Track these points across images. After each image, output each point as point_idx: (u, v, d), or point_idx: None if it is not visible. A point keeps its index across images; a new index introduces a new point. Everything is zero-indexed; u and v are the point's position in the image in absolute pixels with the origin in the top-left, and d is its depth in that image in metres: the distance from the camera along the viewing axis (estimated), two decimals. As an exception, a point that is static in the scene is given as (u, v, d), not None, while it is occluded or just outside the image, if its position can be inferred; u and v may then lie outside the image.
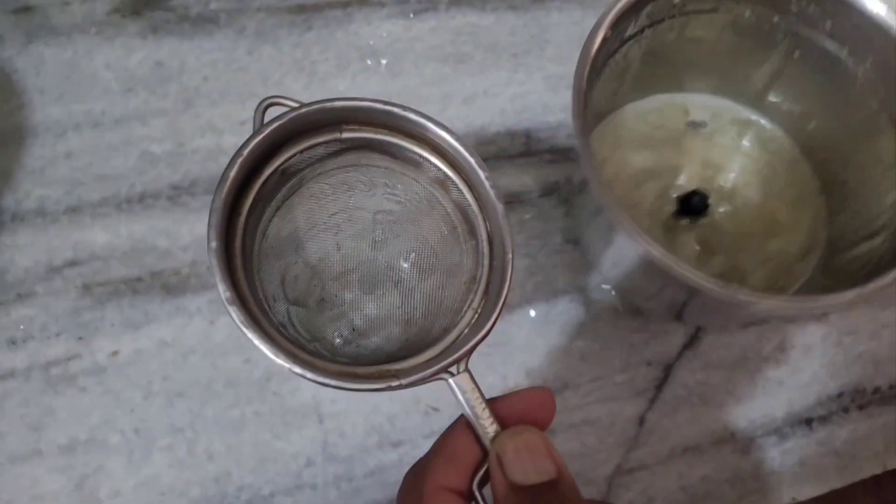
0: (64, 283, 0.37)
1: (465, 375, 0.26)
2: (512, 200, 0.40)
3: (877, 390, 0.41)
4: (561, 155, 0.42)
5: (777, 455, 0.39)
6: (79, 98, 0.39)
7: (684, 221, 0.40)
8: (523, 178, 0.41)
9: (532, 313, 0.39)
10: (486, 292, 0.29)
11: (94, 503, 0.34)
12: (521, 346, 0.39)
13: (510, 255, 0.28)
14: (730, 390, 0.40)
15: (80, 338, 0.36)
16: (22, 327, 0.36)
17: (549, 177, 0.41)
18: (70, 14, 0.40)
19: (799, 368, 0.40)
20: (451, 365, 0.26)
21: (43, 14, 0.40)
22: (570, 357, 0.39)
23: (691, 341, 0.40)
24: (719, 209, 0.41)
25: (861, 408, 0.40)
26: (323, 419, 0.37)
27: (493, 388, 0.38)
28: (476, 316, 0.29)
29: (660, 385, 0.39)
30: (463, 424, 0.26)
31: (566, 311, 0.40)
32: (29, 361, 0.36)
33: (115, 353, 0.36)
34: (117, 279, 0.37)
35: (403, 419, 0.37)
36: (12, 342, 0.36)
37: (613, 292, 0.40)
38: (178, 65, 0.40)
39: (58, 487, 0.34)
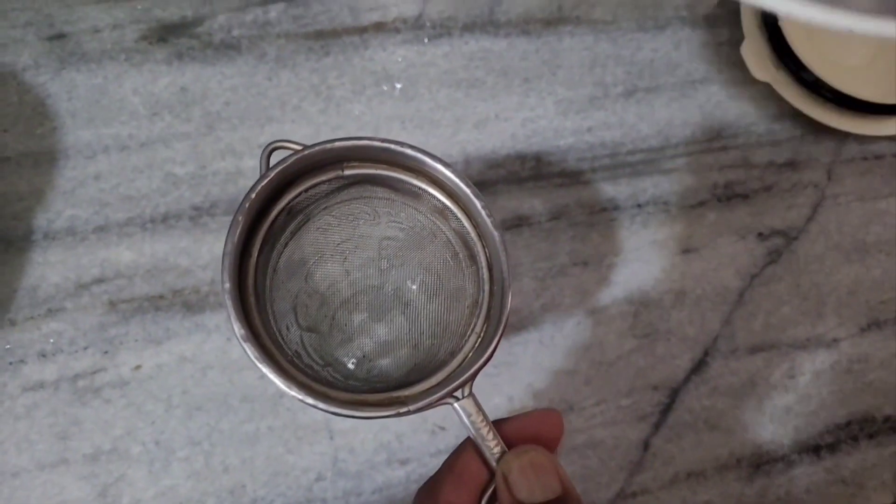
0: (91, 299, 0.39)
1: (470, 399, 0.27)
2: (521, 223, 0.41)
3: (887, 419, 0.40)
4: (570, 178, 0.42)
5: (784, 482, 0.39)
6: (108, 122, 0.41)
7: None
8: (532, 202, 0.42)
9: (538, 335, 0.40)
10: (487, 317, 0.30)
11: (116, 510, 0.36)
12: (527, 367, 0.40)
13: (509, 282, 0.29)
14: (737, 416, 0.40)
15: (106, 352, 0.38)
16: (52, 341, 0.38)
17: (558, 200, 0.42)
18: (101, 41, 0.42)
19: (807, 395, 0.40)
20: (455, 390, 0.27)
21: (76, 41, 0.42)
22: (576, 379, 0.40)
23: (698, 366, 0.40)
24: None
25: (870, 436, 0.40)
26: (333, 435, 0.38)
27: (499, 409, 0.39)
28: (479, 340, 0.30)
29: (665, 410, 0.40)
30: (470, 445, 0.27)
31: (573, 333, 0.40)
32: (58, 374, 0.38)
33: (137, 367, 0.38)
34: (141, 296, 0.39)
35: (411, 437, 0.38)
36: (42, 355, 0.38)
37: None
38: (202, 90, 0.42)
39: (82, 495, 0.36)
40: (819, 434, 0.40)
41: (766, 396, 0.40)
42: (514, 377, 0.40)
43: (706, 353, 0.40)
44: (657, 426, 0.39)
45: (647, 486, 0.38)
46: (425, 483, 0.27)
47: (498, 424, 0.27)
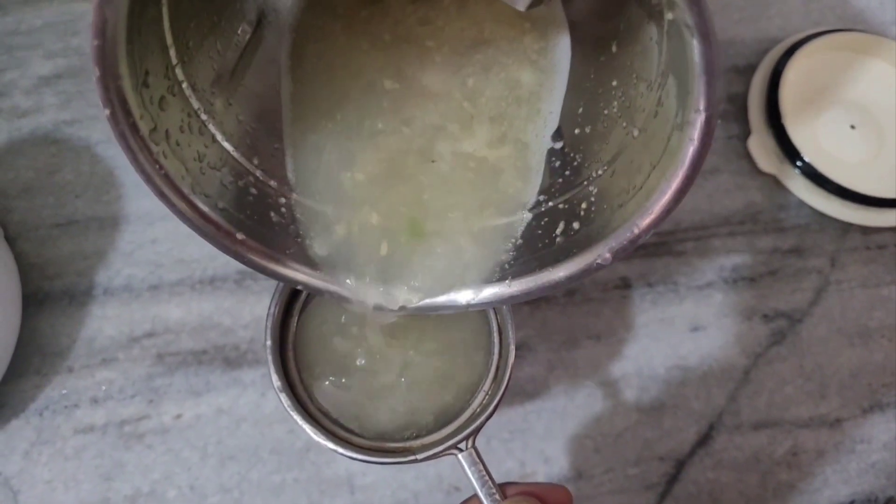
0: (141, 351, 0.42)
1: (472, 452, 0.30)
2: (538, 298, 0.44)
3: (889, 500, 0.41)
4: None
5: (786, 558, 0.40)
6: (167, 191, 0.45)
7: None
8: (549, 278, 0.45)
9: (551, 404, 0.42)
10: (494, 377, 0.33)
11: (150, 551, 0.39)
12: (540, 434, 0.42)
13: (513, 346, 0.32)
14: (741, 491, 0.41)
15: (151, 400, 0.42)
16: (103, 388, 0.42)
17: (574, 277, 0.45)
18: (166, 119, 0.47)
19: (811, 473, 0.42)
20: (460, 443, 0.30)
21: (144, 118, 0.47)
22: (586, 448, 0.42)
23: (704, 440, 0.42)
24: None
25: (872, 517, 0.41)
26: (354, 490, 0.41)
27: (511, 473, 0.41)
28: (486, 398, 0.33)
29: (671, 480, 0.41)
30: (475, 501, 0.30)
31: (584, 403, 0.42)
32: (106, 419, 0.41)
33: (178, 416, 0.41)
34: (186, 351, 0.43)
35: (427, 496, 0.41)
36: (94, 401, 0.41)
37: None
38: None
39: (120, 534, 0.39)
40: (822, 512, 0.41)
41: (768, 472, 0.42)
42: (526, 443, 0.42)
43: (711, 428, 0.42)
44: (663, 496, 0.41)
45: (652, 555, 0.40)
46: None
47: (506, 486, 0.30)
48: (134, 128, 0.24)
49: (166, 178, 0.26)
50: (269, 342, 0.31)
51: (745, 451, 0.42)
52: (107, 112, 0.23)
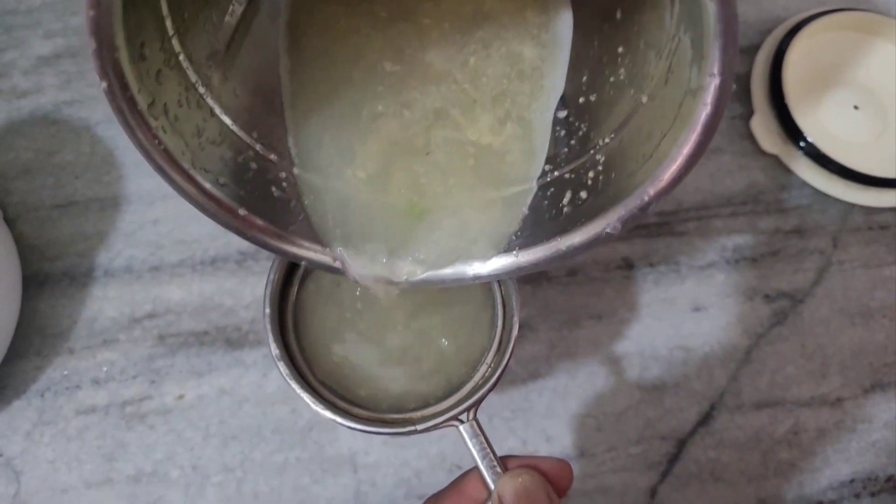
0: (143, 332, 0.42)
1: (473, 423, 0.30)
2: (539, 277, 0.44)
3: (889, 479, 0.42)
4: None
5: (786, 536, 0.41)
6: (167, 172, 0.45)
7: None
8: (551, 258, 0.45)
9: (553, 383, 0.42)
10: (497, 350, 0.33)
11: (153, 530, 0.39)
12: (541, 413, 0.42)
13: (516, 318, 0.32)
14: (742, 470, 0.42)
15: (153, 381, 0.42)
16: (105, 369, 0.42)
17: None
18: (166, 100, 0.47)
19: (812, 452, 0.42)
20: (460, 414, 0.30)
21: (143, 99, 0.47)
22: (588, 426, 0.42)
23: (705, 419, 0.42)
24: None
25: (873, 495, 0.41)
26: (357, 469, 0.41)
27: (513, 451, 0.40)
28: (489, 370, 0.33)
29: (672, 459, 0.42)
30: (476, 470, 0.30)
31: (585, 382, 0.43)
32: (108, 399, 0.41)
33: (181, 396, 0.41)
34: (187, 331, 0.43)
35: (429, 474, 0.41)
36: (96, 382, 0.41)
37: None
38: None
39: (123, 513, 0.39)
40: (822, 490, 0.41)
41: (769, 452, 0.42)
42: (528, 422, 0.42)
43: (713, 407, 0.42)
44: (664, 475, 0.41)
45: (653, 533, 0.40)
46: (431, 496, 0.30)
47: (508, 459, 0.30)
48: (132, 102, 0.23)
49: (166, 153, 0.25)
50: (267, 310, 0.30)
51: (747, 430, 0.42)
52: (104, 85, 0.23)
